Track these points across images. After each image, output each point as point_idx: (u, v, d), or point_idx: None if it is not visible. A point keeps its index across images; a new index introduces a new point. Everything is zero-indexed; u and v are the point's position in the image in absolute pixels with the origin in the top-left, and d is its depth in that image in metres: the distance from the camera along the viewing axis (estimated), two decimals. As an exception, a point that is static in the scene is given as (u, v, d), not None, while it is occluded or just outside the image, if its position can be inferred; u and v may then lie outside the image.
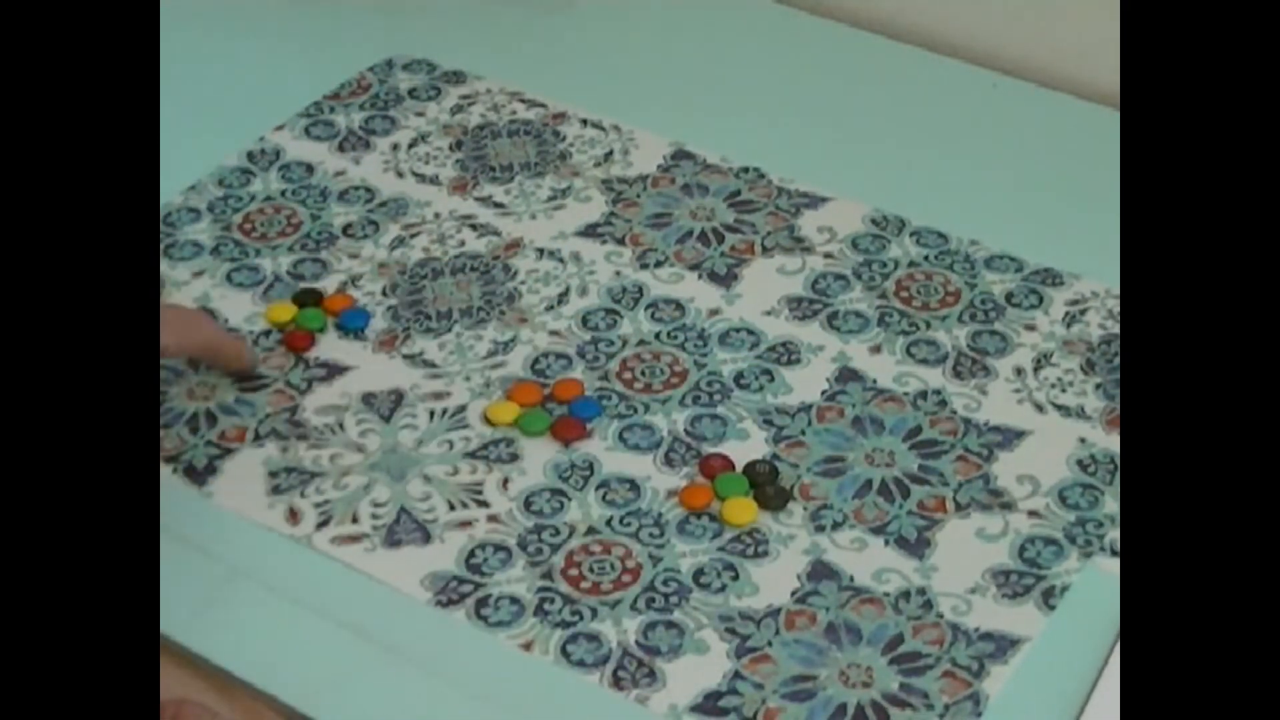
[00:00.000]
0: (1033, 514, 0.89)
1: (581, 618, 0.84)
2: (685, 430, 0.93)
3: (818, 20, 1.24)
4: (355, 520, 0.89)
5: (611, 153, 1.12)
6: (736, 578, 0.86)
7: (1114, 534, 0.88)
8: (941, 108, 1.17)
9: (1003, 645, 0.83)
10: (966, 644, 0.83)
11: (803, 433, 0.93)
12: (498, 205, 1.08)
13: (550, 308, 1.01)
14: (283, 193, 1.09)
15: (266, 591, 0.86)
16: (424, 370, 0.97)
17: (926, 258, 1.04)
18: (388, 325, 1.00)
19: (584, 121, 1.15)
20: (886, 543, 0.87)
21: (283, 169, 1.11)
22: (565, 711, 0.81)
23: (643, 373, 0.97)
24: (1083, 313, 1.00)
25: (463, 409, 0.95)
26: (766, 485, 0.90)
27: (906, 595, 0.85)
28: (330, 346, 0.98)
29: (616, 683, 0.82)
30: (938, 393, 0.95)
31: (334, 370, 0.97)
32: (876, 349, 0.98)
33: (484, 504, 0.90)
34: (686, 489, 0.90)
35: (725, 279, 1.02)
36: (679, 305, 1.01)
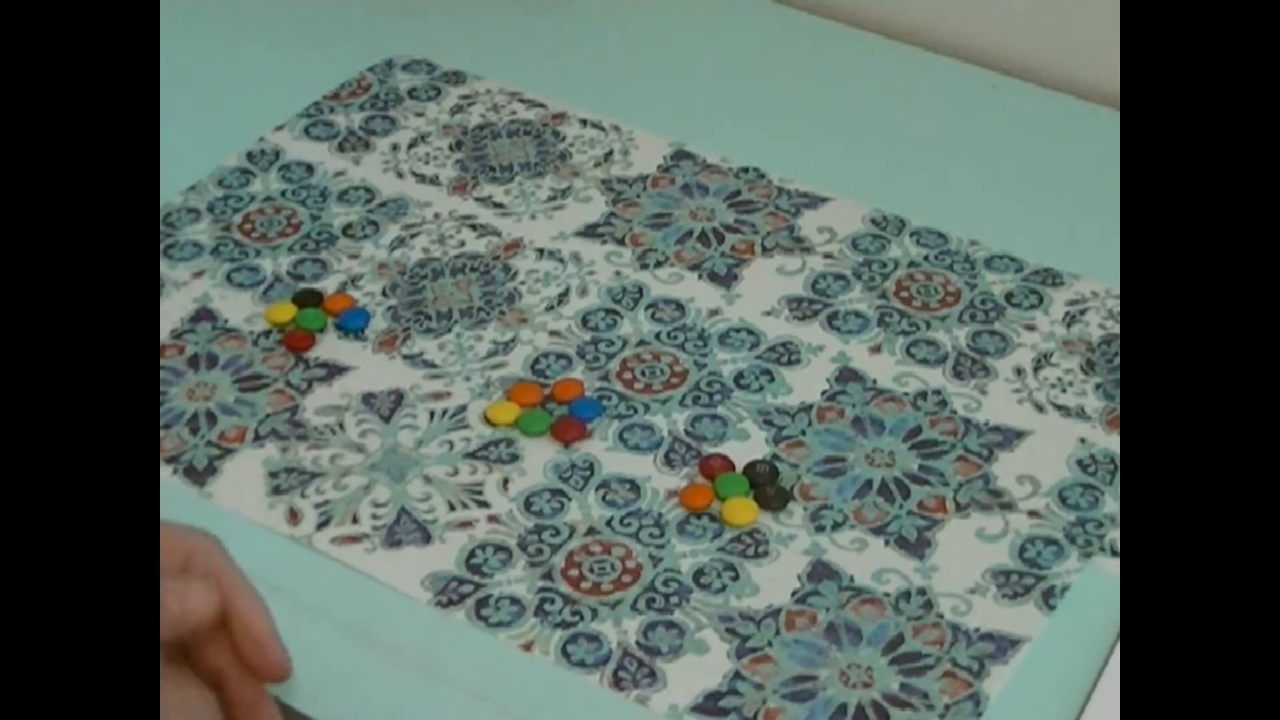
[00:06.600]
0: (1033, 514, 0.89)
1: (582, 618, 0.84)
2: (685, 430, 0.93)
3: (818, 20, 1.24)
4: (355, 521, 0.89)
5: (611, 153, 1.12)
6: (737, 578, 0.86)
7: (1114, 534, 0.88)
8: (941, 108, 1.17)
9: (1003, 645, 0.83)
10: (967, 644, 0.83)
11: (803, 433, 0.93)
12: (498, 205, 1.08)
13: (550, 308, 1.01)
14: (283, 193, 1.09)
15: (266, 591, 0.85)
16: (424, 370, 0.97)
17: (926, 258, 1.04)
18: (388, 325, 1.00)
19: (584, 121, 1.15)
20: (887, 543, 0.87)
21: (283, 169, 1.11)
22: (565, 712, 0.81)
23: (643, 373, 0.97)
24: (1083, 313, 1.00)
25: (463, 409, 0.95)
26: (766, 485, 0.90)
27: (907, 595, 0.85)
28: (330, 347, 0.98)
29: (617, 683, 0.82)
30: (938, 393, 0.95)
31: (334, 370, 0.97)
32: (876, 349, 0.98)
33: (484, 504, 0.90)
34: (686, 489, 0.90)
35: (725, 279, 1.03)
36: (679, 305, 1.01)
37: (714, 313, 1.00)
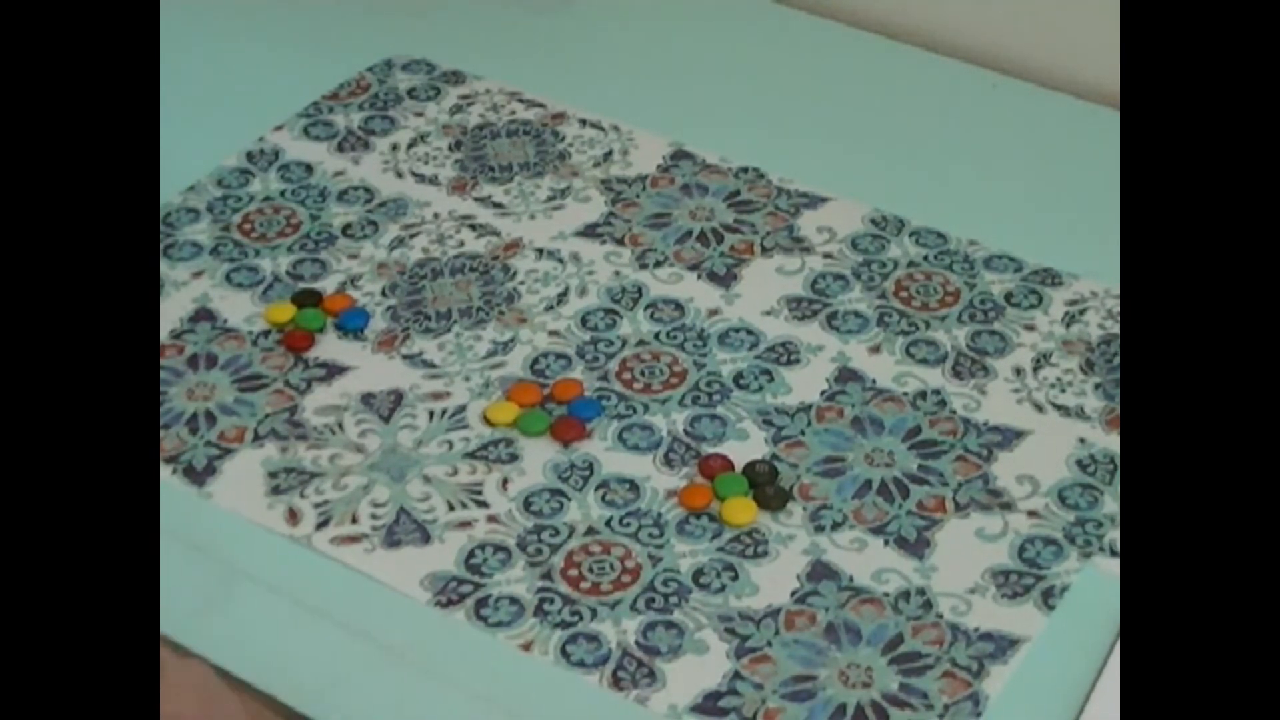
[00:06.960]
0: (1032, 514, 0.89)
1: (581, 618, 0.84)
2: (685, 430, 0.93)
3: (817, 20, 1.24)
4: (355, 521, 0.89)
5: (611, 153, 1.12)
6: (736, 578, 0.86)
7: (1113, 534, 0.88)
8: (941, 108, 1.17)
9: (1002, 645, 0.83)
10: (966, 644, 0.83)
11: (802, 433, 0.93)
12: (497, 205, 1.08)
13: (550, 308, 1.01)
14: (282, 193, 1.09)
15: (266, 592, 0.86)
16: (423, 370, 0.97)
17: (926, 258, 1.04)
18: (387, 325, 1.00)
19: (583, 122, 1.15)
20: (886, 543, 0.87)
21: (282, 169, 1.11)
22: (565, 712, 0.81)
23: (642, 373, 0.97)
24: (1082, 313, 1.00)
25: (462, 409, 0.94)
26: (766, 485, 0.90)
27: (906, 595, 0.85)
28: (329, 347, 0.98)
29: (616, 683, 0.82)
30: (937, 393, 0.95)
31: (333, 370, 0.97)
32: (876, 349, 0.98)
33: (483, 504, 0.90)
34: (686, 489, 0.90)
35: (725, 279, 1.02)
36: (678, 305, 1.01)
37: (713, 313, 1.00)
